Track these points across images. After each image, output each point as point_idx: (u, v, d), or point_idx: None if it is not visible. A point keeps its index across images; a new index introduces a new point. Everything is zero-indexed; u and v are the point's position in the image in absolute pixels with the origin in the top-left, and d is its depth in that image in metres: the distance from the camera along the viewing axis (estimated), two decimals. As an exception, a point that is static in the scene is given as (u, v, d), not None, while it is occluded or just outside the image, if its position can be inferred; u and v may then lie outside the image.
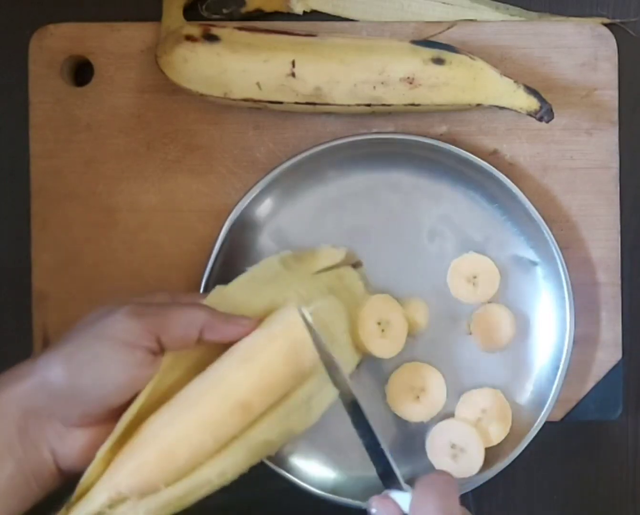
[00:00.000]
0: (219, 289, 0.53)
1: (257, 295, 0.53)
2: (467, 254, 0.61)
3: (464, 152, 0.59)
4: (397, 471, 0.47)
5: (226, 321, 0.50)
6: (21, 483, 0.45)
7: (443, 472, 0.47)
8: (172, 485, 0.46)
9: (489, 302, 0.61)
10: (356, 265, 0.60)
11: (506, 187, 0.59)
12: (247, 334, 0.50)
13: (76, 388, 0.45)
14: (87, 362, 0.45)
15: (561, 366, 0.59)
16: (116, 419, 0.47)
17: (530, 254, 0.61)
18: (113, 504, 0.45)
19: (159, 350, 0.47)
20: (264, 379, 0.49)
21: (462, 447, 0.59)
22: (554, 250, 0.59)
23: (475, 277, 0.60)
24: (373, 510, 0.46)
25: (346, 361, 0.56)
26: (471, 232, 0.61)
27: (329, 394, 0.51)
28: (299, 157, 0.59)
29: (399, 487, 0.47)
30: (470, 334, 0.61)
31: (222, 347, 0.50)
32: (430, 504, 0.44)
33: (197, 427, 0.47)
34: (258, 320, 0.50)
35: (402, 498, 0.46)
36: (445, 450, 0.59)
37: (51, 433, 0.46)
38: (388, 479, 0.47)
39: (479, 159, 0.59)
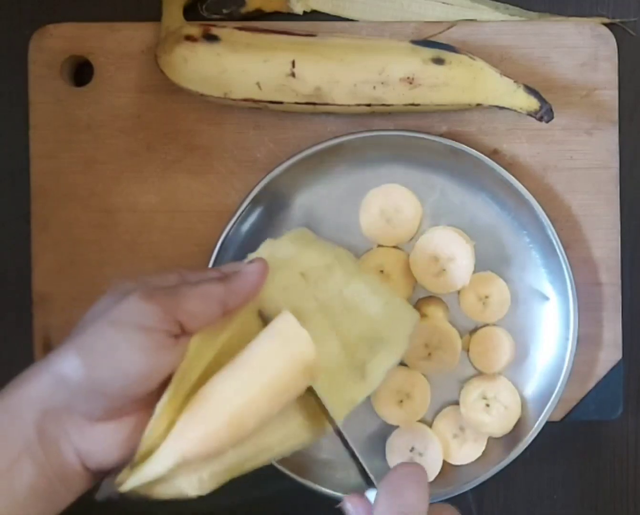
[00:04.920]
0: (268, 242, 0.52)
1: (308, 249, 0.52)
2: (484, 273, 0.60)
3: (507, 173, 0.58)
4: (369, 471, 0.46)
5: (240, 276, 0.47)
6: (45, 488, 0.43)
7: (405, 465, 0.46)
8: (236, 449, 0.45)
9: (494, 324, 0.61)
10: None
11: (537, 217, 0.59)
12: (264, 273, 0.48)
13: (96, 380, 0.42)
14: (105, 352, 0.42)
15: (564, 370, 0.59)
16: (144, 408, 0.44)
17: (545, 288, 0.61)
18: (178, 467, 0.44)
19: (180, 332, 0.45)
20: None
21: (420, 451, 0.60)
22: (569, 290, 0.58)
23: (487, 297, 0.60)
24: (348, 506, 0.46)
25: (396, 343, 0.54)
26: (495, 251, 0.61)
27: (384, 361, 0.51)
28: (320, 146, 0.59)
29: (373, 486, 0.46)
30: (468, 351, 0.61)
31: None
32: (383, 503, 0.44)
33: (268, 393, 0.45)
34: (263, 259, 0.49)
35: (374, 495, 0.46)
36: (403, 453, 0.60)
37: (73, 431, 0.43)
38: (366, 479, 0.47)
39: (520, 184, 0.58)
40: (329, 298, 0.51)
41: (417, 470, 0.45)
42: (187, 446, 0.44)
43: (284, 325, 0.47)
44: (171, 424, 0.44)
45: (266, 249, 0.51)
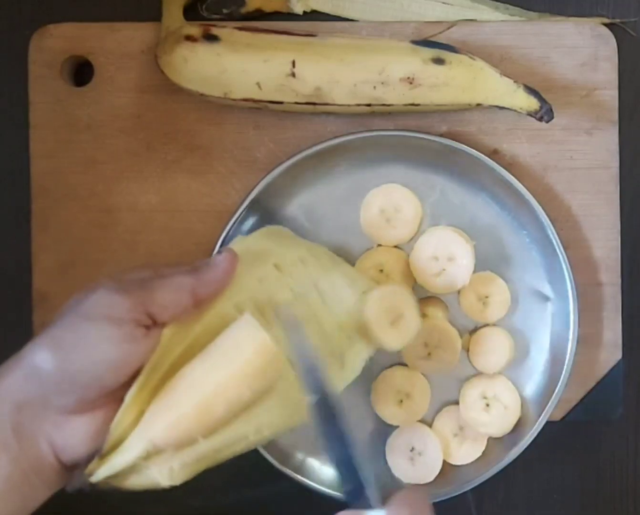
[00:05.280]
0: (240, 238, 0.53)
1: (281, 243, 0.52)
2: (484, 273, 0.60)
3: (507, 173, 0.58)
4: (373, 489, 0.45)
5: (210, 266, 0.48)
6: (21, 482, 0.43)
7: (415, 489, 0.46)
8: (208, 438, 0.45)
9: (494, 324, 0.61)
10: None
11: (537, 217, 0.59)
12: (233, 262, 0.49)
13: (66, 371, 0.43)
14: (74, 343, 0.43)
15: (564, 370, 0.59)
16: (117, 401, 0.45)
17: (545, 288, 0.61)
18: (148, 456, 0.44)
19: (151, 323, 0.45)
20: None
21: (420, 451, 0.60)
22: (569, 290, 0.59)
23: (487, 297, 0.60)
24: None
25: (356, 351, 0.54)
26: (495, 251, 0.61)
27: (362, 350, 0.52)
28: (317, 147, 0.59)
29: (369, 506, 0.44)
30: (468, 350, 0.61)
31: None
32: None
33: (236, 379, 0.45)
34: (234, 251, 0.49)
35: None
36: (403, 453, 0.60)
37: (48, 424, 0.44)
38: (358, 497, 0.44)
39: (520, 184, 0.58)
40: (304, 289, 0.51)
41: (426, 497, 0.45)
42: (156, 433, 0.44)
43: (247, 323, 0.47)
44: (140, 414, 0.45)
45: (238, 244, 0.52)
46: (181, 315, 0.47)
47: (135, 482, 0.45)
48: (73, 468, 0.45)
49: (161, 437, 0.44)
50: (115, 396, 0.45)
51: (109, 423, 0.45)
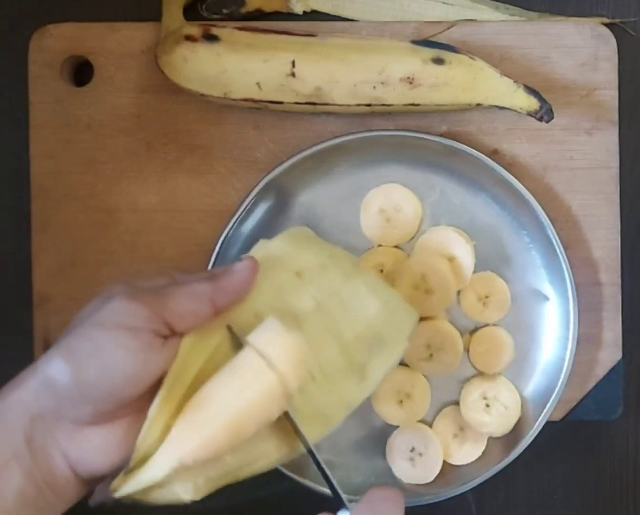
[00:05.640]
0: (262, 243, 0.51)
1: (302, 248, 0.51)
2: (484, 273, 0.60)
3: (507, 173, 0.58)
4: (343, 494, 0.46)
5: (230, 274, 0.46)
6: (34, 495, 0.42)
7: (384, 488, 0.45)
8: (235, 455, 0.44)
9: (494, 324, 0.61)
10: None
11: (537, 217, 0.59)
12: (254, 270, 0.47)
13: (82, 382, 0.41)
14: (90, 353, 0.42)
15: (564, 370, 0.59)
16: (135, 413, 0.43)
17: (545, 288, 0.61)
18: (176, 474, 0.43)
19: (169, 332, 0.44)
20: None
21: (420, 451, 0.60)
22: (569, 290, 0.59)
23: (487, 297, 0.60)
24: None
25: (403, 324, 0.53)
26: (495, 251, 0.61)
27: (384, 362, 0.50)
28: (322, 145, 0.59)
29: (343, 507, 0.45)
30: (468, 351, 0.61)
31: None
32: None
33: (267, 396, 0.43)
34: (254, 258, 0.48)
35: None
36: (403, 453, 0.60)
37: (62, 437, 0.43)
38: (337, 502, 0.46)
39: (520, 184, 0.58)
40: (326, 297, 0.50)
41: (399, 496, 0.44)
42: (185, 452, 0.43)
43: (271, 326, 0.46)
44: (167, 429, 0.43)
45: (260, 250, 0.51)
46: (200, 324, 0.45)
47: (159, 497, 0.44)
48: (90, 481, 0.44)
49: (190, 456, 0.43)
50: (133, 407, 0.43)
51: (127, 435, 0.43)
